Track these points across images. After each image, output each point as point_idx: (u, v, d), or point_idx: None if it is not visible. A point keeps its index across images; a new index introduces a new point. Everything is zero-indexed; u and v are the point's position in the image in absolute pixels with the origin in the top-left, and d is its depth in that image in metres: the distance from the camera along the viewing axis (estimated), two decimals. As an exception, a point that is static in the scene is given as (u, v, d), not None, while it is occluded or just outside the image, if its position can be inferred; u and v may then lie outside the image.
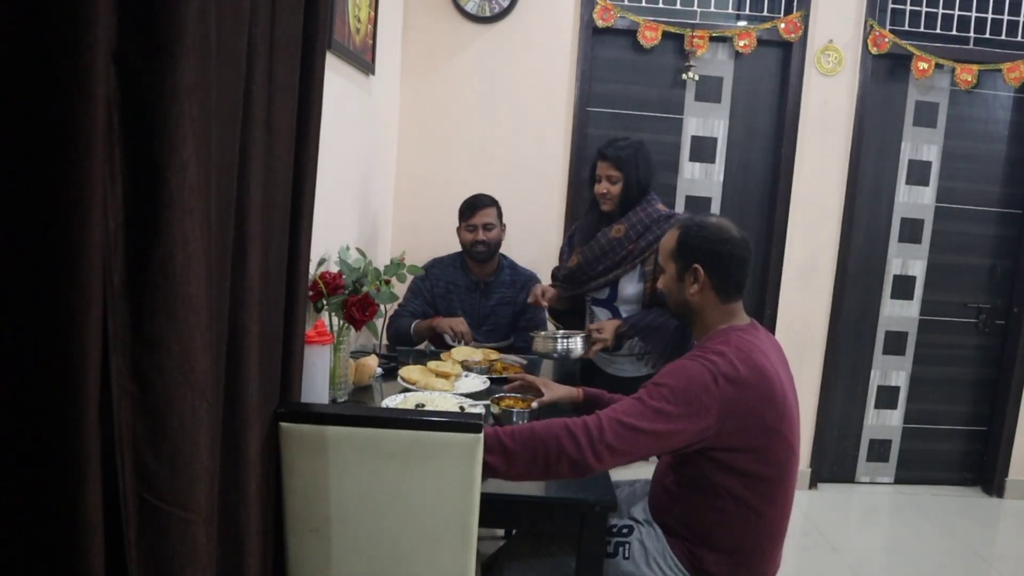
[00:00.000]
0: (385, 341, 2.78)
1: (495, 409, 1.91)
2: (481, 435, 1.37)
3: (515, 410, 1.88)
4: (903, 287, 3.65)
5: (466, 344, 2.63)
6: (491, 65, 3.35)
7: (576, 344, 2.37)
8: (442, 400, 1.95)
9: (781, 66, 3.46)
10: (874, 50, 3.36)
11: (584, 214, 2.64)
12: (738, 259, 1.64)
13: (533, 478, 1.55)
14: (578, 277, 2.50)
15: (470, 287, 2.89)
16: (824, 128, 3.42)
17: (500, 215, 2.90)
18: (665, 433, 1.49)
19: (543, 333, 2.47)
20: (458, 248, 2.94)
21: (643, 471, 1.92)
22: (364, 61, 2.64)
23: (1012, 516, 3.51)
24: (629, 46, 3.40)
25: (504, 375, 2.39)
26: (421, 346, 2.84)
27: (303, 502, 1.40)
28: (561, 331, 2.50)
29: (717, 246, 1.64)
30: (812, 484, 3.66)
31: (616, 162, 2.41)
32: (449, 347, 2.60)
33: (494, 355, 2.49)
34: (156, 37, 0.84)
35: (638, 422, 1.49)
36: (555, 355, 2.39)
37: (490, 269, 2.89)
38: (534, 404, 1.91)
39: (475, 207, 2.85)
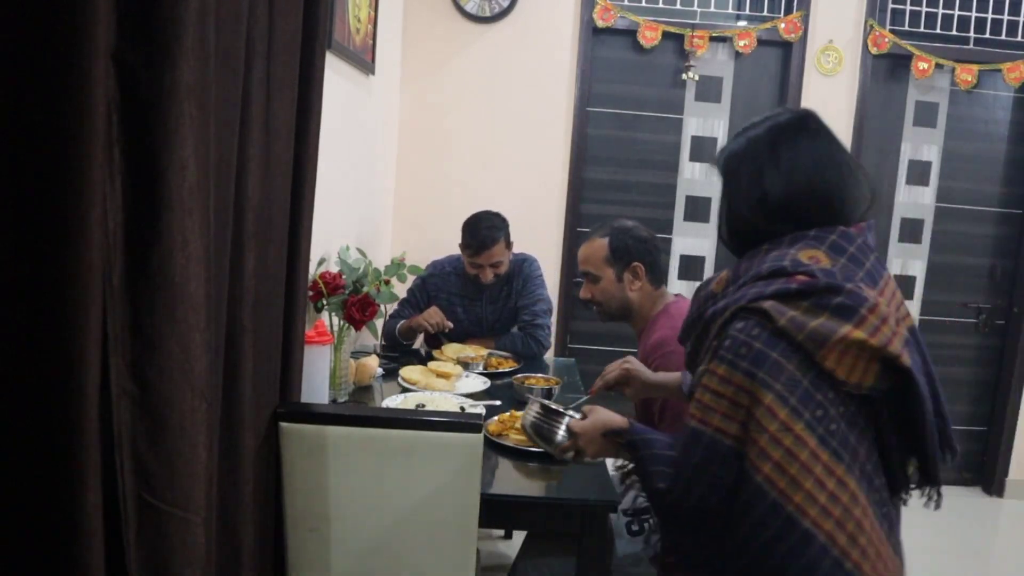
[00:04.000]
0: (383, 343, 2.77)
1: (517, 386, 2.14)
2: (481, 435, 1.37)
3: (535, 387, 2.13)
4: (903, 287, 3.64)
5: (444, 330, 2.63)
6: (491, 65, 3.35)
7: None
8: (442, 400, 1.96)
9: (781, 66, 3.46)
10: (874, 50, 3.35)
11: None
12: (659, 248, 1.92)
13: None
14: None
15: (473, 296, 2.77)
16: (824, 128, 3.41)
17: (508, 239, 2.68)
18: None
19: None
20: (457, 250, 2.90)
21: None
22: (364, 61, 2.63)
23: (1012, 516, 3.50)
24: (629, 46, 3.40)
25: (500, 369, 2.42)
26: (417, 346, 2.83)
27: (303, 502, 1.40)
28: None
29: (646, 244, 1.88)
30: (812, 484, 3.65)
31: None
32: (438, 340, 2.62)
33: (484, 350, 2.52)
34: (156, 37, 0.84)
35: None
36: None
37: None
38: (554, 386, 2.13)
39: (480, 247, 2.58)
